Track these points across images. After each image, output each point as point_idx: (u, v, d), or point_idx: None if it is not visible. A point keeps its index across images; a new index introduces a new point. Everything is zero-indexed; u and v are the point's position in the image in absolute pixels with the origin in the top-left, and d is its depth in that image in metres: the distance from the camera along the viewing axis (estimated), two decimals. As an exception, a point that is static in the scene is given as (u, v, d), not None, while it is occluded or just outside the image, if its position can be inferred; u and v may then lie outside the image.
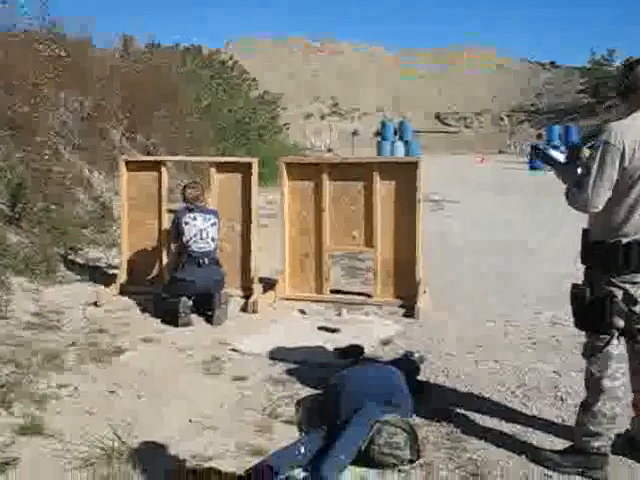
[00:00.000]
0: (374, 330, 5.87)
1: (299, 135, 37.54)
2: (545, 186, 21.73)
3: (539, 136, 43.06)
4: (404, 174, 6.50)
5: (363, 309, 6.61)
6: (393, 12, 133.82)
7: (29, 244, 7.83)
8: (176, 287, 6.13)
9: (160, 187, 7.00)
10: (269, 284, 7.04)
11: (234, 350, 5.33)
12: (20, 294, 6.65)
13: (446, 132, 47.64)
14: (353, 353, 5.12)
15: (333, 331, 5.81)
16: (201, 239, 6.27)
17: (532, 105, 52.61)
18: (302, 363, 5.04)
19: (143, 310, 6.47)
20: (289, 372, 4.88)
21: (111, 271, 7.95)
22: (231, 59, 24.70)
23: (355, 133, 41.89)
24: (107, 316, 6.30)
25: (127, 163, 7.09)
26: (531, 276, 8.03)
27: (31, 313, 6.20)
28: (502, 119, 51.58)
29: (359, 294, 7.05)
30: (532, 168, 28.66)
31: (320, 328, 5.91)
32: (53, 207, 8.96)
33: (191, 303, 6.07)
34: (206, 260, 6.23)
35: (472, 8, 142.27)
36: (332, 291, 6.97)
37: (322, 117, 47.88)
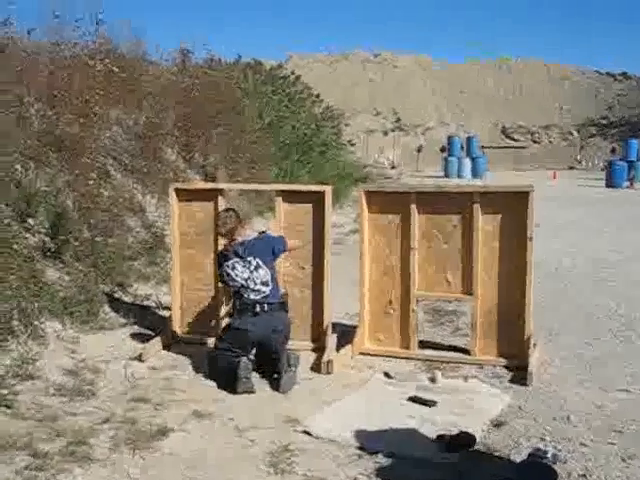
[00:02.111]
0: (480, 403, 4.68)
1: (361, 151, 36.37)
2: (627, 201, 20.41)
3: (613, 150, 41.07)
4: (512, 206, 5.31)
5: (460, 370, 5.42)
6: (452, 23, 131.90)
7: (70, 282, 6.89)
8: (231, 337, 5.08)
9: (216, 219, 5.94)
10: (343, 333, 5.94)
11: (306, 433, 4.21)
12: (55, 344, 5.70)
13: (514, 147, 45.82)
14: (462, 444, 3.95)
15: (428, 404, 4.64)
16: (248, 288, 5.18)
17: (603, 118, 50.30)
18: (395, 457, 3.89)
19: (195, 368, 5.42)
20: (379, 472, 3.74)
21: (161, 312, 6.95)
22: (293, 74, 23.77)
23: (420, 149, 40.53)
24: (152, 377, 5.26)
25: (178, 191, 6.07)
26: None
27: (64, 371, 5.21)
28: (571, 133, 49.45)
29: (453, 348, 5.87)
30: (609, 185, 27.04)
31: (412, 399, 4.75)
32: (100, 237, 8.05)
33: (251, 365, 4.98)
34: (265, 306, 5.14)
35: (534, 19, 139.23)
36: (420, 343, 5.80)
37: (385, 133, 46.64)
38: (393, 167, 39.07)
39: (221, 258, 5.34)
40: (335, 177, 20.14)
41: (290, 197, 5.85)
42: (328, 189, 5.75)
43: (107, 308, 6.81)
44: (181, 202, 6.04)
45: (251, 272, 5.21)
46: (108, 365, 5.43)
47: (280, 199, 5.84)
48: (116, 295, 7.20)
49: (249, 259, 5.25)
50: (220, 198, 5.94)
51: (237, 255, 5.25)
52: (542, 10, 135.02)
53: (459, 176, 32.44)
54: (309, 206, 5.76)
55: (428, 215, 5.55)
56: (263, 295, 5.18)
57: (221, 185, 6.76)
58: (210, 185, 6.57)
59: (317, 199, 5.74)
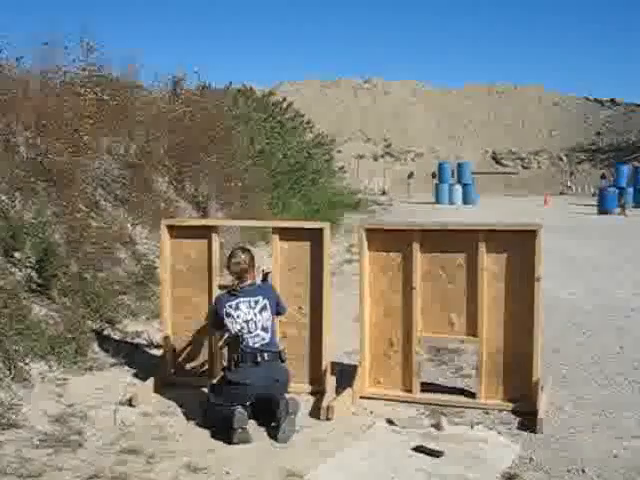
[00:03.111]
0: (489, 454, 4.45)
1: (352, 178, 36.29)
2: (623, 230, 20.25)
3: (603, 176, 41.20)
4: (518, 245, 5.12)
5: (465, 415, 5.18)
6: (437, 50, 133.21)
7: (57, 319, 6.64)
8: (228, 392, 4.80)
9: (210, 258, 5.72)
10: (342, 372, 5.72)
11: (308, 489, 3.96)
12: (40, 387, 5.44)
13: (504, 173, 45.91)
14: (473, 503, 3.72)
15: (435, 455, 4.41)
16: (249, 333, 4.93)
17: (592, 144, 50.58)
18: (404, 518, 3.65)
19: (188, 414, 5.15)
20: (388, 536, 3.51)
21: (152, 351, 6.70)
22: (284, 100, 23.65)
23: (411, 175, 40.51)
24: (143, 423, 4.99)
25: (170, 228, 5.84)
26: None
27: (50, 418, 4.94)
28: (561, 159, 49.64)
29: (456, 390, 5.65)
30: (601, 212, 27.04)
31: (417, 449, 4.51)
32: (89, 271, 7.80)
33: (247, 414, 4.72)
34: (265, 355, 4.88)
35: (521, 46, 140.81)
36: (422, 385, 5.56)
37: (375, 159, 46.65)
38: (383, 193, 39.03)
39: (223, 298, 5.09)
40: (327, 204, 20.02)
41: (287, 234, 5.63)
42: (326, 226, 5.54)
43: (96, 347, 6.55)
44: (173, 239, 5.80)
45: (255, 314, 4.97)
46: (97, 411, 5.16)
47: (277, 237, 5.62)
48: (105, 332, 6.94)
49: (257, 298, 5.03)
50: (214, 235, 5.71)
51: (245, 295, 5.03)
52: (533, 37, 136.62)
53: (450, 202, 32.41)
54: (307, 244, 5.55)
55: (432, 254, 5.34)
56: (262, 343, 4.94)
57: (215, 222, 6.56)
58: (204, 222, 6.33)
59: (315, 236, 5.53)
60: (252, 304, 5.01)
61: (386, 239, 5.49)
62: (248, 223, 8.94)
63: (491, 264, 5.20)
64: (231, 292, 5.07)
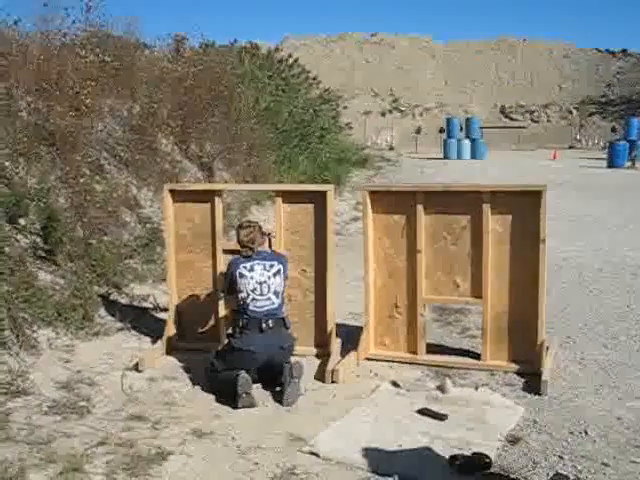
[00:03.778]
0: (493, 417, 4.46)
1: (359, 133, 36.02)
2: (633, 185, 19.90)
3: (613, 129, 40.73)
4: (523, 206, 5.06)
5: (470, 377, 5.20)
6: (451, 3, 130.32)
7: (64, 285, 6.66)
8: (233, 358, 4.83)
9: (214, 222, 5.70)
10: (348, 334, 5.73)
11: (313, 454, 3.99)
12: (48, 354, 5.48)
13: (513, 127, 45.42)
14: (476, 466, 3.74)
15: (439, 418, 4.43)
16: (261, 295, 4.95)
17: (603, 96, 49.88)
18: (408, 481, 3.68)
19: (194, 379, 5.19)
20: (392, 499, 3.54)
21: (159, 314, 6.73)
22: (290, 57, 23.37)
23: (419, 131, 40.19)
24: (149, 389, 5.03)
25: (173, 193, 5.81)
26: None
27: (58, 384, 4.99)
28: (571, 112, 49.06)
29: (461, 351, 5.66)
30: (610, 166, 26.80)
31: (421, 412, 4.53)
32: (94, 235, 7.80)
33: (251, 379, 4.75)
34: (270, 322, 4.91)
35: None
36: (428, 346, 5.57)
37: (382, 114, 46.20)
38: (391, 148, 38.76)
39: (238, 260, 5.11)
40: (333, 162, 19.88)
41: (290, 197, 5.59)
42: (330, 189, 5.50)
43: (103, 311, 6.59)
44: (176, 203, 5.78)
45: (268, 277, 5.01)
46: (104, 376, 5.21)
47: (280, 200, 5.59)
48: (112, 297, 6.98)
49: (272, 262, 5.09)
50: (217, 199, 5.68)
51: (262, 258, 5.08)
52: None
53: (459, 158, 32.18)
54: (310, 206, 5.51)
55: (436, 215, 5.30)
56: (271, 307, 4.96)
57: (218, 186, 6.53)
58: (207, 186, 6.29)
59: (319, 199, 5.49)
60: (267, 267, 5.07)
61: (390, 201, 5.44)
62: (250, 187, 8.91)
63: (496, 225, 5.15)
64: (244, 255, 5.09)
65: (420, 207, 5.29)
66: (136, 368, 5.36)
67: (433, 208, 5.30)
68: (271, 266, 5.06)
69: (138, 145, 10.32)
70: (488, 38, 56.62)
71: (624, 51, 53.22)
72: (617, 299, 7.33)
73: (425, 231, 5.33)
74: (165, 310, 6.50)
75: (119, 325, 6.36)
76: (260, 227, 5.22)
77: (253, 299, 4.94)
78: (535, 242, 5.04)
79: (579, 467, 3.80)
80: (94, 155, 9.16)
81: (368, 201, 5.45)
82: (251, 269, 5.01)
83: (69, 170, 8.25)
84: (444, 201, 5.30)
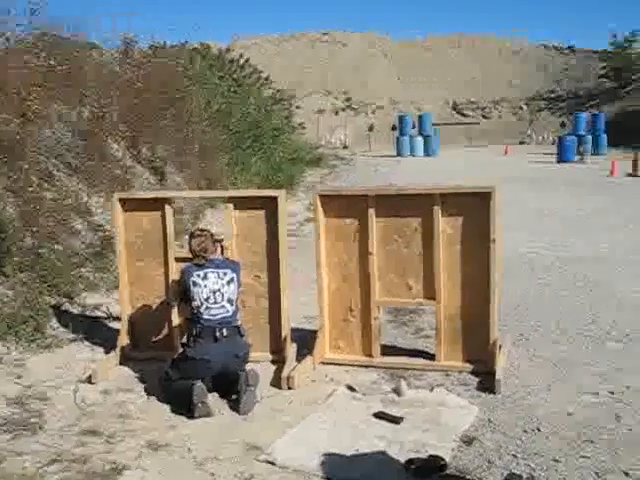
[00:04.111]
0: (448, 418, 4.50)
1: (313, 132, 36.03)
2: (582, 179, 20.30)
3: (563, 124, 41.46)
4: (473, 207, 5.12)
5: (425, 378, 5.24)
6: (391, 3, 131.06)
7: (14, 296, 6.53)
8: (188, 368, 4.79)
9: (165, 230, 5.65)
10: (303, 339, 5.73)
11: (270, 462, 3.98)
12: (-2, 369, 5.37)
13: (465, 124, 45.87)
14: (432, 468, 3.77)
15: (395, 421, 4.46)
16: (215, 303, 4.93)
17: (552, 92, 50.69)
18: (364, 487, 3.70)
19: (148, 389, 5.14)
20: (349, 506, 3.55)
21: (112, 324, 6.64)
22: (241, 57, 23.29)
23: (371, 129, 40.34)
24: (103, 402, 4.96)
25: (123, 201, 5.73)
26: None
27: (9, 401, 4.89)
28: (521, 108, 49.74)
29: (416, 352, 5.70)
30: (560, 161, 27.25)
31: (377, 416, 4.56)
32: (44, 244, 7.66)
33: (206, 388, 4.71)
34: (224, 330, 4.88)
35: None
36: (383, 348, 5.60)
37: (336, 112, 46.25)
38: (345, 147, 38.87)
39: (191, 268, 5.07)
40: (287, 161, 19.88)
41: (241, 203, 5.56)
42: (282, 194, 5.48)
43: (54, 323, 6.48)
44: (126, 212, 5.71)
45: (222, 285, 4.99)
46: (57, 390, 5.12)
47: (231, 206, 5.56)
48: (64, 307, 6.87)
49: (225, 270, 5.06)
50: (167, 207, 5.63)
51: (215, 266, 5.05)
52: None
53: (412, 155, 32.42)
54: (261, 212, 5.49)
55: (387, 218, 5.33)
56: (225, 315, 4.94)
57: (168, 193, 6.46)
58: (156, 194, 6.22)
59: (270, 204, 5.47)
60: (221, 275, 5.04)
61: (341, 204, 5.46)
62: (201, 193, 8.90)
63: (447, 227, 5.20)
64: (197, 263, 5.06)
65: (371, 210, 5.32)
66: (89, 380, 5.28)
67: (384, 211, 5.33)
68: (224, 274, 5.04)
69: (88, 151, 10.17)
70: (440, 35, 57.11)
71: (571, 47, 54.16)
72: (568, 293, 7.46)
73: (377, 234, 5.35)
74: (118, 319, 6.42)
75: (71, 336, 6.26)
76: (212, 235, 5.20)
77: (207, 307, 4.91)
78: (486, 242, 5.09)
79: (532, 465, 3.87)
80: (43, 162, 9.00)
81: (319, 205, 5.46)
82: (204, 277, 4.98)
83: (17, 178, 8.09)
84: (395, 204, 5.33)
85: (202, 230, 5.29)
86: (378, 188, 6.20)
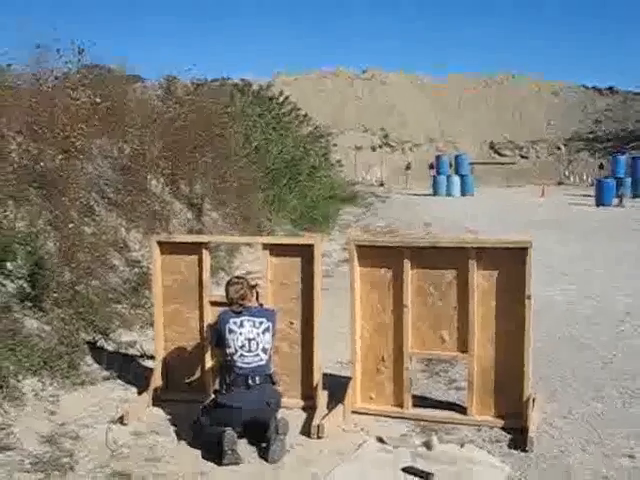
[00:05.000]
0: (479, 476, 4.46)
1: (349, 169, 36.24)
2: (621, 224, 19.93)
3: (601, 166, 41.09)
4: (509, 262, 5.11)
5: (456, 432, 5.19)
6: (432, 42, 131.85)
7: (50, 332, 6.63)
8: (219, 415, 4.81)
9: (201, 274, 5.72)
10: (336, 385, 5.71)
11: (297, 516, 3.97)
12: (32, 405, 5.43)
13: (502, 163, 45.76)
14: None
15: (425, 477, 4.42)
16: (249, 351, 4.96)
17: (590, 133, 50.44)
18: None
19: (180, 433, 5.16)
20: None
21: (145, 363, 6.70)
22: (281, 94, 23.58)
23: (409, 166, 40.45)
24: (135, 443, 5.00)
25: (161, 244, 5.82)
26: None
27: (41, 439, 4.94)
28: (559, 148, 49.52)
29: (448, 405, 5.65)
30: (599, 204, 27.00)
31: (407, 470, 4.52)
32: (82, 279, 7.78)
33: (236, 435, 4.73)
34: (257, 378, 4.90)
35: (519, 36, 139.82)
36: (414, 399, 5.56)
37: (373, 149, 46.52)
38: (381, 184, 38.97)
39: (227, 315, 5.12)
40: (324, 199, 20.00)
41: (277, 250, 5.62)
42: (318, 241, 5.53)
43: (89, 359, 6.54)
44: (164, 255, 5.79)
45: (257, 334, 5.02)
46: (89, 430, 5.16)
47: (267, 252, 5.61)
48: (98, 344, 6.94)
49: (261, 320, 5.10)
50: (205, 251, 5.71)
51: (251, 314, 5.10)
52: (531, 27, 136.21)
53: (448, 194, 32.40)
54: (297, 259, 5.53)
55: (422, 270, 5.33)
56: (259, 364, 4.96)
57: (206, 238, 6.55)
58: (194, 238, 6.31)
59: (306, 251, 5.51)
60: (257, 324, 5.07)
61: (377, 254, 5.48)
62: (238, 239, 9.07)
63: (482, 281, 5.19)
64: (235, 310, 5.11)
65: (407, 262, 5.33)
66: (121, 421, 5.32)
67: (419, 263, 5.34)
68: (260, 323, 5.07)
69: (128, 186, 10.35)
70: (477, 74, 57.27)
71: (611, 88, 53.92)
72: (603, 348, 7.34)
73: (412, 285, 5.36)
74: (151, 358, 6.48)
75: (105, 374, 6.32)
76: (248, 282, 5.25)
77: (241, 355, 4.94)
78: (521, 297, 5.07)
79: (564, 531, 3.79)
80: (84, 197, 9.18)
81: (355, 254, 5.48)
82: (241, 325, 5.02)
83: (58, 213, 8.25)
84: (430, 256, 5.33)
85: (239, 278, 5.35)
86: (413, 239, 6.21)
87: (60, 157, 8.96)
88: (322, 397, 5.48)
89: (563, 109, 53.11)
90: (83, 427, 5.20)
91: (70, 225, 8.00)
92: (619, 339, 7.67)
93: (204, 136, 13.13)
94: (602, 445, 4.92)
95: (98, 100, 10.54)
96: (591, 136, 50.37)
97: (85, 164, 9.67)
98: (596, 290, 10.26)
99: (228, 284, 5.24)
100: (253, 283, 5.48)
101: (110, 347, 7.01)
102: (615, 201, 27.32)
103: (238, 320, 5.03)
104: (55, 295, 7.10)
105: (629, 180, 31.76)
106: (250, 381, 4.87)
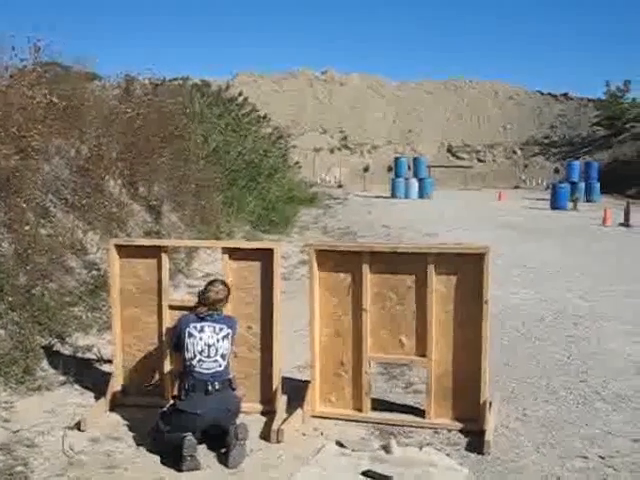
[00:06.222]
0: (438, 478, 4.50)
1: (308, 170, 36.29)
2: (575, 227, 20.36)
3: (556, 171, 41.86)
4: (467, 267, 5.18)
5: (415, 435, 5.24)
6: (392, 45, 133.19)
7: (5, 336, 6.51)
8: (178, 421, 4.78)
9: (160, 277, 5.67)
10: (295, 389, 5.72)
11: (257, 522, 3.97)
12: (-13, 412, 5.33)
13: (459, 167, 46.27)
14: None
15: (384, 481, 4.45)
16: (208, 357, 4.94)
17: (546, 137, 51.32)
18: None
19: (138, 438, 5.11)
20: None
21: (103, 367, 6.62)
22: (240, 95, 23.52)
23: (367, 169, 40.66)
24: (91, 450, 4.93)
25: (119, 248, 5.76)
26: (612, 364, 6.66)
27: (-5, 446, 4.86)
28: (515, 152, 50.28)
29: (406, 408, 5.70)
30: (554, 207, 27.47)
31: (366, 474, 4.55)
32: (38, 282, 7.65)
33: (196, 441, 4.71)
34: (216, 384, 4.88)
35: (477, 39, 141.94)
36: (373, 402, 5.60)
37: (331, 151, 46.64)
38: (340, 186, 39.09)
39: (189, 318, 5.10)
40: (282, 201, 20.00)
41: (237, 254, 5.60)
42: (277, 247, 5.53)
43: (45, 364, 6.44)
44: (122, 258, 5.73)
45: (217, 340, 5.01)
46: (44, 437, 5.07)
47: (227, 256, 5.59)
48: (55, 348, 6.84)
49: (222, 326, 5.08)
50: (164, 255, 5.66)
51: (213, 320, 5.07)
52: (490, 32, 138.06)
53: (406, 197, 32.66)
54: (257, 264, 5.53)
55: (381, 275, 5.37)
56: (217, 370, 4.94)
57: (165, 242, 6.50)
58: (153, 241, 6.26)
59: (265, 256, 5.51)
60: (217, 330, 5.05)
61: (336, 260, 5.50)
62: (197, 243, 9.00)
63: (440, 286, 5.25)
64: (198, 315, 5.08)
65: (366, 266, 5.36)
66: (78, 427, 5.25)
67: (379, 267, 5.37)
68: (221, 329, 5.05)
69: (85, 187, 10.22)
70: (436, 79, 57.87)
71: (565, 94, 54.91)
72: (558, 349, 7.47)
73: (371, 290, 5.39)
74: (109, 362, 6.40)
75: (61, 379, 6.23)
76: (229, 290, 5.25)
77: (200, 360, 4.92)
78: (479, 301, 5.14)
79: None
80: (40, 198, 9.03)
81: (314, 260, 5.49)
82: (201, 330, 4.99)
83: (13, 215, 8.11)
84: (390, 261, 5.37)
85: (224, 283, 5.30)
86: (372, 244, 6.24)
87: (15, 157, 8.80)
88: (281, 402, 5.48)
89: (520, 114, 53.95)
90: (38, 434, 5.11)
91: (26, 227, 7.87)
92: (573, 341, 7.81)
93: (163, 137, 13.04)
94: (556, 446, 5.02)
95: (55, 99, 10.39)
96: (546, 141, 51.26)
97: (41, 164, 9.51)
98: (551, 292, 10.45)
99: (211, 284, 5.21)
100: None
101: (67, 351, 6.91)
102: (570, 205, 27.85)
103: (199, 325, 5.01)
104: (10, 298, 6.97)
105: (583, 185, 32.44)
106: (209, 387, 4.85)
